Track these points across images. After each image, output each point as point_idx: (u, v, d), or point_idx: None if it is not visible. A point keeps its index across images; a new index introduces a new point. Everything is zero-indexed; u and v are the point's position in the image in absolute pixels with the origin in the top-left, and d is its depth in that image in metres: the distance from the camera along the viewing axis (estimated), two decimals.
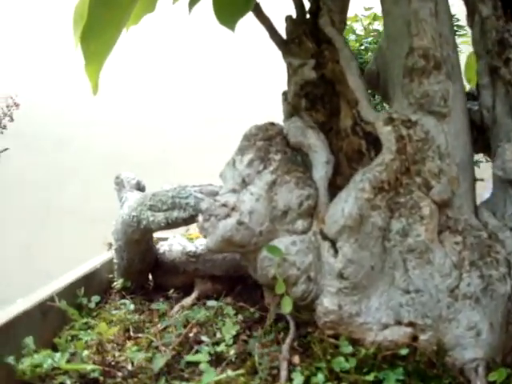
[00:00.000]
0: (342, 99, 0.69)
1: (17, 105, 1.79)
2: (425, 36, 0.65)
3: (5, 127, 1.78)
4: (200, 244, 0.85)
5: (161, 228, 0.76)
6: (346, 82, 0.69)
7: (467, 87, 0.89)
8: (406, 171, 0.63)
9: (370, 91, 0.82)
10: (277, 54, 0.75)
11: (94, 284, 0.84)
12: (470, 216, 0.64)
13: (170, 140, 1.97)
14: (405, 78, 0.65)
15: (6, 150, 1.77)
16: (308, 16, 0.74)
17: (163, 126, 2.00)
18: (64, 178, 2.00)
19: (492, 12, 0.65)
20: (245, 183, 0.67)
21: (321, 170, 0.66)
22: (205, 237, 0.67)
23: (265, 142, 0.68)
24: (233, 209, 0.65)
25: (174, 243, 0.86)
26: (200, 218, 0.66)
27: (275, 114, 0.80)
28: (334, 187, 0.67)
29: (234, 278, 0.83)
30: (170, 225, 0.76)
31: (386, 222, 0.62)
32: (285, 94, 0.74)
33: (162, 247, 0.87)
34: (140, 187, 0.85)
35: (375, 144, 0.67)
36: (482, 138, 0.69)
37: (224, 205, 0.66)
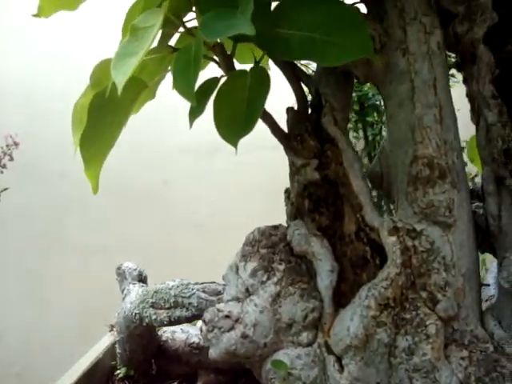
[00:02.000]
0: (345, 203, 0.69)
1: (16, 144, 1.78)
2: (429, 144, 0.64)
3: (4, 166, 1.78)
4: None
5: (163, 325, 0.75)
6: (349, 185, 0.69)
7: (472, 170, 0.89)
8: (412, 285, 0.62)
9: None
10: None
11: (97, 375, 0.83)
12: (476, 326, 0.64)
13: (171, 170, 1.96)
14: (409, 186, 0.65)
15: (5, 189, 1.76)
16: (310, 111, 0.74)
17: (164, 155, 1.99)
18: (64, 210, 1.99)
19: (497, 119, 0.64)
20: (248, 293, 0.66)
21: (326, 279, 0.65)
22: (208, 347, 0.66)
23: (268, 249, 0.67)
24: (236, 320, 0.64)
25: (176, 330, 0.86)
26: (204, 327, 0.66)
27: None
28: (339, 294, 0.66)
29: (237, 370, 0.82)
30: (173, 322, 0.75)
31: (392, 338, 0.61)
32: (287, 192, 0.73)
33: (165, 334, 0.86)
34: (142, 278, 0.85)
35: (380, 251, 0.66)
36: (487, 241, 0.68)
37: (228, 316, 0.65)
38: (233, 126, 0.61)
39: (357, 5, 0.72)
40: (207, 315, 0.65)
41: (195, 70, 0.59)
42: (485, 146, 0.66)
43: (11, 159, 1.74)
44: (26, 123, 1.89)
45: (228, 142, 0.62)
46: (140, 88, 0.68)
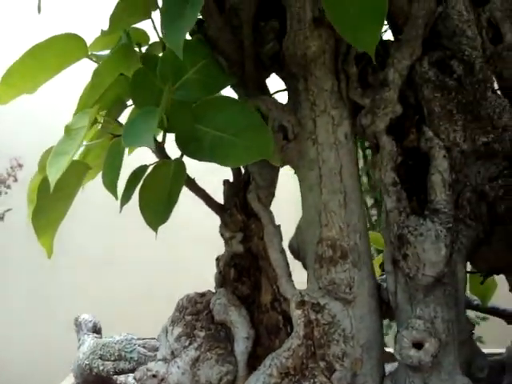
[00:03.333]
0: (263, 274, 0.76)
1: (20, 165, 1.90)
2: (333, 227, 0.72)
3: (9, 187, 1.89)
4: None
5: (110, 375, 0.84)
6: (268, 258, 0.76)
7: None
8: (312, 355, 0.69)
9: None
10: None
11: None
12: None
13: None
14: (315, 263, 0.72)
15: (9, 210, 1.88)
16: (242, 185, 0.81)
17: None
18: (69, 229, 2.10)
19: (395, 205, 0.71)
20: (174, 355, 0.74)
21: (241, 345, 0.73)
22: None
23: (192, 316, 0.75)
24: (162, 380, 0.73)
25: (130, 375, 0.94)
26: None
27: None
28: (254, 358, 0.74)
29: None
30: (118, 373, 0.84)
31: None
32: (218, 260, 0.81)
33: (120, 378, 0.95)
34: (96, 329, 0.94)
35: (291, 320, 0.73)
36: (391, 311, 0.75)
37: (154, 375, 0.73)
38: (154, 213, 0.70)
39: (277, 95, 0.80)
40: (137, 374, 0.74)
41: (118, 168, 0.68)
42: (385, 229, 0.72)
43: (15, 180, 1.86)
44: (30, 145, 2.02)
45: (150, 227, 0.70)
46: (84, 170, 0.77)
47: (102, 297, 1.97)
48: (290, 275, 0.76)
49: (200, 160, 0.66)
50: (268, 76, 0.81)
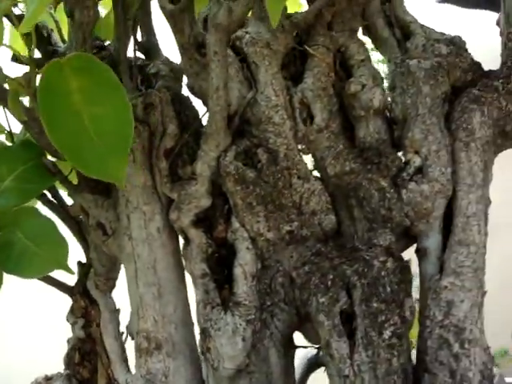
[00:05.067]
0: (99, 359, 0.81)
1: None
2: (148, 319, 0.75)
3: None
4: None
5: None
6: (103, 343, 0.81)
7: None
8: None
9: None
10: None
11: None
12: None
13: None
14: (136, 352, 0.76)
15: None
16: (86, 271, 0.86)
17: None
18: None
19: (202, 297, 0.74)
20: None
21: None
22: None
23: None
24: None
25: None
26: None
27: None
28: None
29: None
30: None
31: None
32: (68, 342, 0.86)
33: None
34: None
35: None
36: None
37: None
38: None
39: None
40: None
41: None
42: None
43: None
44: None
45: None
46: None
47: None
48: (124, 360, 0.80)
49: (5, 272, 0.71)
50: None
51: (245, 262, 0.72)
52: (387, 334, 0.66)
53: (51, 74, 0.59)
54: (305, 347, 0.82)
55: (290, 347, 0.78)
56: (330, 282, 0.70)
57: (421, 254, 0.75)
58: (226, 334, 0.70)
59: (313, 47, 0.78)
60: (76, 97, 0.60)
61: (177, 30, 0.74)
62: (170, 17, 0.73)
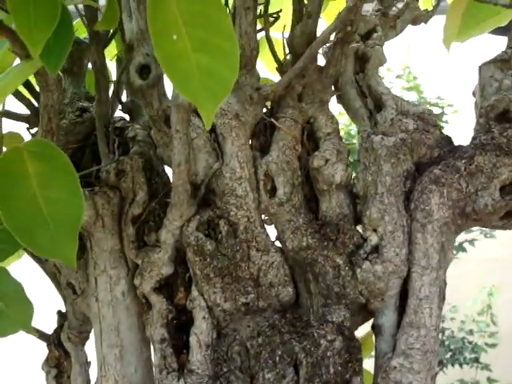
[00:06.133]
0: None
1: None
2: (110, 379, 0.79)
3: None
4: None
5: None
6: None
7: None
8: None
9: None
10: None
11: None
12: None
13: None
14: None
15: None
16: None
17: None
18: None
19: (159, 362, 0.76)
20: None
21: None
22: None
23: None
24: None
25: None
26: None
27: None
28: None
29: None
30: None
31: None
32: None
33: None
34: None
35: None
36: None
37: None
38: None
39: None
40: None
41: None
42: None
43: None
44: None
45: None
46: None
47: None
48: None
49: None
50: None
51: (200, 331, 0.75)
52: None
53: (10, 158, 0.63)
54: None
55: None
56: (277, 358, 0.72)
57: (376, 330, 0.76)
58: None
59: (280, 120, 0.80)
60: (33, 181, 0.63)
61: (146, 104, 0.77)
62: (140, 91, 0.76)
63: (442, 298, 0.74)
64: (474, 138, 0.79)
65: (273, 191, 0.79)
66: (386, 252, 0.73)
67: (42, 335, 0.90)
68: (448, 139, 0.81)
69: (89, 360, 0.87)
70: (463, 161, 0.75)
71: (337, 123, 0.82)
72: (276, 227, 0.79)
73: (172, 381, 0.74)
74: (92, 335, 0.87)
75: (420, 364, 0.71)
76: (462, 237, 2.59)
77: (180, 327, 0.78)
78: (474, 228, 2.61)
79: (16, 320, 0.74)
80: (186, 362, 0.75)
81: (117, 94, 0.89)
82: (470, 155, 0.76)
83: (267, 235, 0.78)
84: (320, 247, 0.75)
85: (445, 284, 0.75)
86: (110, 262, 0.80)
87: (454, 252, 2.63)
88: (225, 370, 0.77)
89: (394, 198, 0.75)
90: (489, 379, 2.72)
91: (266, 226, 0.79)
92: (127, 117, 0.93)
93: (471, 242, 2.61)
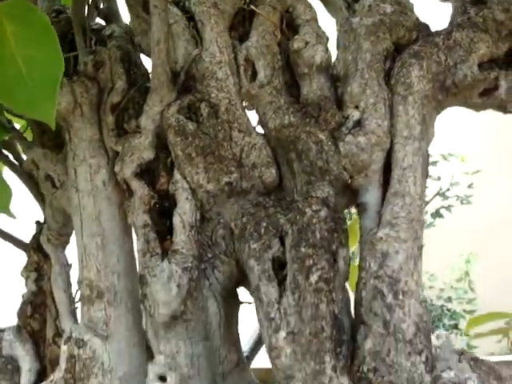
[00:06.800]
0: (47, 311, 0.83)
1: None
2: (91, 268, 0.77)
3: None
4: None
5: None
6: (53, 295, 0.83)
7: None
8: None
9: None
10: None
11: None
12: None
13: None
14: (80, 301, 0.78)
15: None
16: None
17: None
18: None
19: (142, 247, 0.75)
20: None
21: (25, 378, 0.81)
22: None
23: None
24: None
25: None
26: None
27: None
28: None
29: None
30: None
31: None
32: (22, 296, 0.88)
33: None
34: None
35: None
36: None
37: None
38: None
39: None
40: None
41: None
42: None
43: None
44: None
45: None
46: None
47: None
48: (72, 311, 0.82)
49: None
50: None
51: (183, 212, 0.74)
52: (314, 278, 0.67)
53: None
54: (249, 303, 0.83)
55: (233, 302, 0.79)
56: (263, 230, 0.71)
57: (361, 208, 0.76)
58: (160, 280, 0.71)
59: (259, 7, 0.80)
60: (11, 40, 0.62)
61: None
62: None
63: (425, 168, 0.74)
64: (450, 22, 0.80)
65: (253, 77, 0.79)
66: (369, 124, 0.73)
67: (19, 243, 0.88)
68: (426, 26, 0.81)
69: (70, 263, 0.85)
70: (441, 36, 0.76)
71: (315, 12, 0.82)
72: (257, 111, 0.79)
73: (155, 262, 0.73)
74: (72, 239, 0.86)
75: (406, 233, 0.71)
76: (438, 203, 2.62)
77: (163, 213, 0.77)
78: (449, 194, 2.65)
79: None
80: (170, 243, 0.74)
81: None
82: (447, 31, 0.77)
83: (249, 120, 0.78)
84: (302, 124, 0.75)
85: (428, 155, 0.75)
86: (90, 152, 0.78)
87: (431, 219, 2.65)
88: (209, 255, 0.76)
89: (375, 72, 0.75)
90: (468, 345, 2.74)
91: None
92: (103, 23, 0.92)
93: (448, 208, 2.64)
